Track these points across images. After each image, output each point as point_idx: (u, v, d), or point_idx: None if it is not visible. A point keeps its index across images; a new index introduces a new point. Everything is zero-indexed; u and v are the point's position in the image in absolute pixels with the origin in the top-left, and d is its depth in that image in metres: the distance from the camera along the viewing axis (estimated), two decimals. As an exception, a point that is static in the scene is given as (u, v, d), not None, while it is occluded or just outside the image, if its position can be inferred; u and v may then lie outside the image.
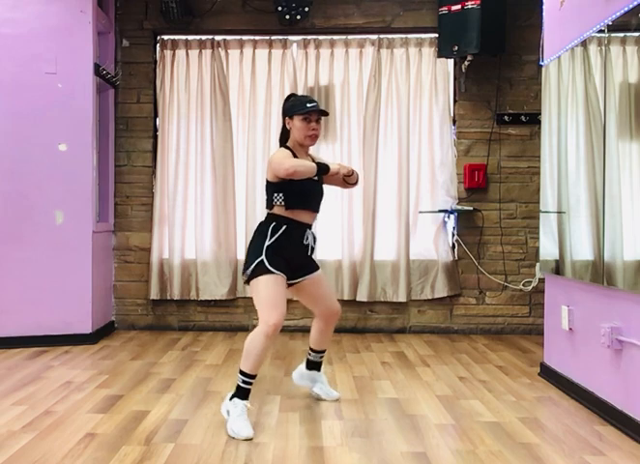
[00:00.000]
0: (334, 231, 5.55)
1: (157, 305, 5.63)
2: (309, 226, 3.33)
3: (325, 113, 3.30)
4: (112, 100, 5.55)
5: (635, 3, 3.01)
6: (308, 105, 3.22)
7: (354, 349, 4.90)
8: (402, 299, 5.48)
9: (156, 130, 5.66)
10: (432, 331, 5.55)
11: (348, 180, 3.39)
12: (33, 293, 4.85)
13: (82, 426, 3.09)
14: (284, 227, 3.20)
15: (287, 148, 3.28)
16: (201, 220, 5.56)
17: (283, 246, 3.19)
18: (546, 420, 3.31)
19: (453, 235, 5.58)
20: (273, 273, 3.12)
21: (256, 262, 3.15)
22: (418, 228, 5.57)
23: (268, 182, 3.28)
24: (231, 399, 3.10)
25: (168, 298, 5.57)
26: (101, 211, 5.47)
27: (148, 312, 5.64)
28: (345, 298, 5.51)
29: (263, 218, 3.33)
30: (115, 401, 3.50)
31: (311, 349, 3.58)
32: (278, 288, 3.14)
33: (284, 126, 3.33)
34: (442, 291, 5.50)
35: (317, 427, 3.13)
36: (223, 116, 5.55)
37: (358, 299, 5.51)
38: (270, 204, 3.28)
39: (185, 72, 5.61)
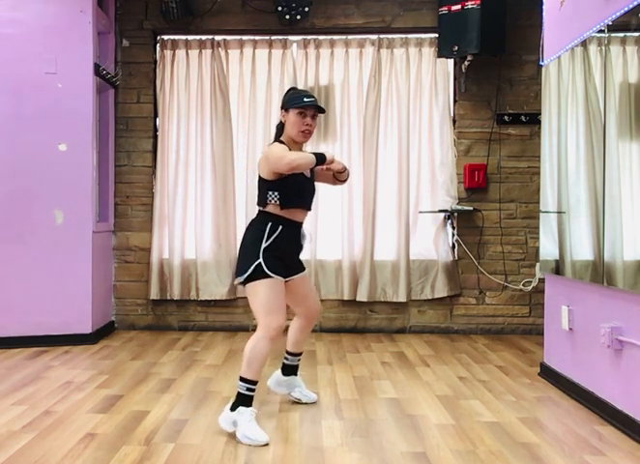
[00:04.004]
0: (334, 231, 5.55)
1: (157, 305, 5.63)
2: (302, 224, 3.23)
3: (322, 110, 3.21)
4: (112, 100, 5.54)
5: (635, 3, 3.01)
6: (305, 99, 3.11)
7: (354, 349, 4.90)
8: (402, 299, 5.48)
9: (156, 130, 5.66)
10: (432, 331, 5.55)
11: (339, 176, 3.28)
12: (33, 293, 4.85)
13: (82, 426, 3.09)
14: (281, 228, 3.09)
15: (281, 143, 3.15)
16: (201, 220, 5.56)
17: (280, 247, 3.09)
18: (546, 420, 3.31)
19: (453, 235, 5.58)
20: (271, 277, 3.02)
21: (254, 265, 3.02)
22: (418, 228, 5.57)
23: (261, 179, 3.14)
24: (233, 410, 2.98)
25: (168, 298, 5.57)
26: (101, 211, 5.47)
27: (148, 312, 5.64)
28: (345, 298, 5.52)
29: (255, 216, 3.22)
30: (115, 401, 3.50)
31: (288, 352, 3.49)
32: (278, 292, 3.05)
33: (280, 119, 3.22)
34: (442, 291, 5.50)
35: (317, 427, 3.13)
36: (223, 116, 5.55)
37: (358, 299, 5.51)
38: (262, 202, 3.15)
39: (185, 72, 5.61)
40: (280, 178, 3.06)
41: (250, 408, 2.98)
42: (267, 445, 2.87)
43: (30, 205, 4.86)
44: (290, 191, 3.10)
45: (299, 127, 3.12)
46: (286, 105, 3.15)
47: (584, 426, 3.17)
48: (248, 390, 2.98)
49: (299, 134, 3.13)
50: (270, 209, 3.12)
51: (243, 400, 2.98)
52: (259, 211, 3.19)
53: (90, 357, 4.59)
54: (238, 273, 3.10)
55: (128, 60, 5.60)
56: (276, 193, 3.09)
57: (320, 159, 3.03)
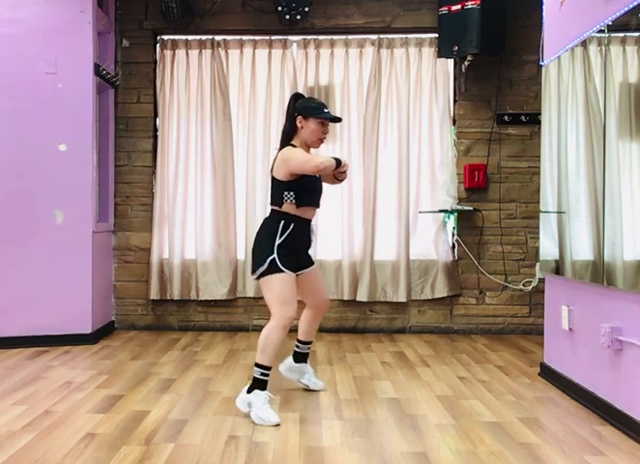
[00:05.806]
0: (335, 231, 5.55)
1: (157, 305, 5.63)
2: (311, 222, 3.47)
3: (339, 120, 3.53)
4: (112, 100, 5.54)
5: (635, 3, 3.01)
6: (325, 111, 3.39)
7: (354, 349, 4.90)
8: (402, 299, 5.48)
9: (156, 130, 5.66)
10: (432, 331, 5.54)
11: (340, 176, 3.47)
12: (33, 293, 4.85)
13: (82, 426, 3.09)
14: (293, 225, 3.31)
15: (294, 147, 3.37)
16: (201, 220, 5.56)
17: (293, 243, 3.32)
18: (546, 420, 3.31)
19: (453, 235, 5.58)
20: (284, 271, 3.26)
21: (268, 261, 3.26)
22: (418, 228, 5.57)
23: (277, 180, 3.35)
24: (249, 392, 3.22)
25: (168, 298, 5.57)
26: (101, 211, 5.47)
27: (148, 312, 5.64)
28: (345, 298, 5.52)
29: (268, 214, 3.45)
30: (115, 401, 3.50)
31: (299, 341, 3.73)
32: (291, 285, 3.29)
33: (292, 123, 3.40)
34: (442, 291, 5.50)
35: (317, 427, 3.13)
36: (223, 116, 5.55)
37: (358, 299, 5.51)
38: (277, 201, 3.37)
39: (185, 72, 5.61)
40: (295, 179, 3.30)
41: (265, 391, 3.22)
42: (278, 425, 3.11)
43: (30, 205, 4.85)
44: (304, 191, 3.35)
45: (318, 135, 3.39)
46: (305, 112, 3.36)
47: (584, 426, 3.17)
48: (263, 374, 3.23)
49: (316, 142, 3.42)
50: (285, 208, 3.35)
51: (258, 384, 3.22)
52: (272, 210, 3.42)
53: (90, 357, 4.59)
54: (254, 268, 3.33)
55: (128, 60, 5.60)
56: (291, 193, 3.32)
57: (339, 162, 3.30)
